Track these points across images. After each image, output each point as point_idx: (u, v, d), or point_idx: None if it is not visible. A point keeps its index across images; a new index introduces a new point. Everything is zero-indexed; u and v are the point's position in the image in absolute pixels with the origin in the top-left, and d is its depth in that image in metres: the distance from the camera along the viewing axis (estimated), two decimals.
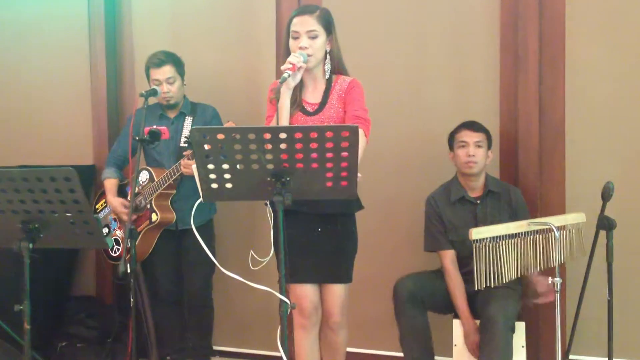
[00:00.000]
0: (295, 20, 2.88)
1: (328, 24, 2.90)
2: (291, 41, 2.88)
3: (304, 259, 2.94)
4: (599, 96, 3.51)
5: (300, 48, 2.83)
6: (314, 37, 2.85)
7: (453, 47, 3.76)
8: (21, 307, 2.58)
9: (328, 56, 2.94)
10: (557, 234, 2.99)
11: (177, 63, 3.71)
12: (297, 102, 2.92)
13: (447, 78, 3.77)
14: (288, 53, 2.87)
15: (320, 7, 2.95)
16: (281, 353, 2.39)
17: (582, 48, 3.52)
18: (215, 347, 4.12)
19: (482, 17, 3.70)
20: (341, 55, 3.00)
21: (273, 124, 2.80)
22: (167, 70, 3.66)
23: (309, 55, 2.83)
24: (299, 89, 2.93)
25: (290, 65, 2.74)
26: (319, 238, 2.97)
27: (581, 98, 3.53)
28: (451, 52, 3.77)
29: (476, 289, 3.04)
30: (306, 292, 2.99)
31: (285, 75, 2.72)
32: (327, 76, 2.97)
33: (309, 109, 2.95)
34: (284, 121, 2.83)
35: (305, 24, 2.85)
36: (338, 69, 3.00)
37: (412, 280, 3.32)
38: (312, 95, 2.98)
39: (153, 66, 3.67)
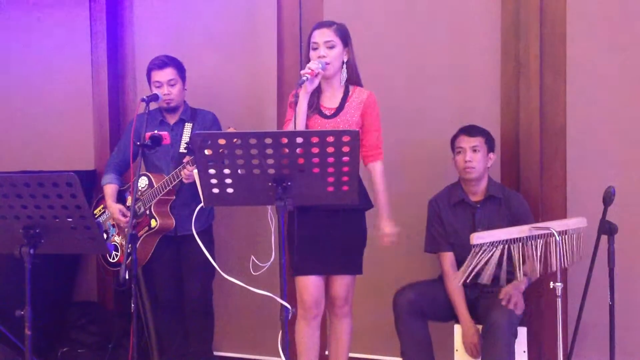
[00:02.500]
0: (314, 33, 3.14)
1: (344, 36, 3.15)
2: (311, 52, 3.13)
3: (312, 253, 3.11)
4: (600, 101, 3.52)
5: (319, 57, 3.07)
6: (331, 47, 3.10)
7: (454, 52, 3.77)
8: (22, 313, 2.58)
9: (345, 66, 3.16)
10: (558, 238, 2.99)
11: (179, 67, 3.72)
12: (314, 106, 3.13)
13: (448, 83, 3.78)
14: (308, 63, 3.07)
15: (338, 22, 3.17)
16: (282, 358, 2.38)
17: (583, 53, 3.52)
18: (216, 353, 4.11)
19: (483, 22, 3.70)
20: (357, 67, 3.22)
21: (291, 126, 3.00)
22: (169, 73, 3.66)
23: (327, 64, 3.06)
24: (317, 95, 3.14)
25: (309, 70, 2.98)
26: (329, 233, 3.12)
27: (582, 103, 3.54)
28: (453, 58, 3.77)
29: (460, 281, 3.10)
30: (308, 284, 3.14)
31: (304, 78, 2.96)
32: (343, 83, 3.18)
33: (327, 112, 3.16)
34: (301, 123, 3.02)
35: (323, 35, 3.11)
36: (354, 79, 3.21)
37: (412, 290, 3.32)
38: (330, 101, 3.18)
39: (155, 68, 3.67)
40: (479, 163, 3.34)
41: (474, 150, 3.34)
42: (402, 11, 3.86)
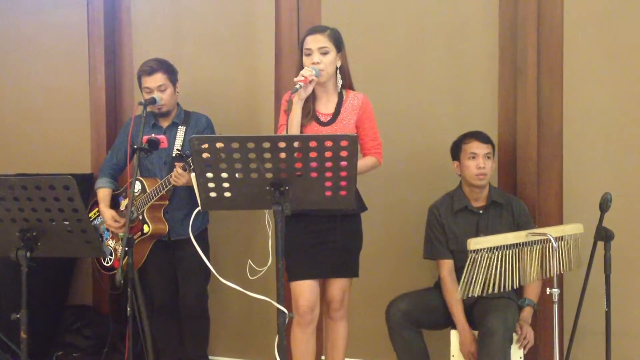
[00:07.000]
0: (307, 38, 3.11)
1: (338, 42, 3.13)
2: (304, 58, 3.10)
3: (307, 257, 3.11)
4: (597, 107, 3.52)
5: (313, 63, 3.04)
6: (325, 53, 3.08)
7: (452, 58, 3.77)
8: (18, 316, 2.57)
9: (338, 71, 3.15)
10: (555, 244, 2.99)
11: (169, 70, 3.67)
12: (311, 113, 3.12)
13: (446, 89, 3.78)
14: (301, 69, 3.05)
15: (330, 27, 3.15)
16: None
17: (580, 59, 3.53)
18: (211, 357, 4.10)
19: (481, 28, 3.71)
20: (349, 71, 3.21)
21: (284, 131, 2.96)
22: (158, 78, 3.62)
23: (320, 70, 3.04)
24: (312, 101, 3.12)
25: (303, 78, 2.96)
26: (325, 236, 3.12)
27: (579, 109, 3.54)
28: (450, 63, 3.77)
29: (464, 297, 3.06)
30: (303, 290, 3.13)
31: (297, 86, 2.94)
32: (339, 89, 3.17)
33: (323, 119, 3.15)
34: (294, 130, 3.00)
35: (316, 41, 3.08)
36: (347, 83, 3.20)
37: (404, 300, 3.29)
38: (325, 107, 3.17)
39: (144, 74, 3.63)
40: (490, 170, 3.33)
41: (487, 158, 3.32)
42: (400, 16, 3.86)
